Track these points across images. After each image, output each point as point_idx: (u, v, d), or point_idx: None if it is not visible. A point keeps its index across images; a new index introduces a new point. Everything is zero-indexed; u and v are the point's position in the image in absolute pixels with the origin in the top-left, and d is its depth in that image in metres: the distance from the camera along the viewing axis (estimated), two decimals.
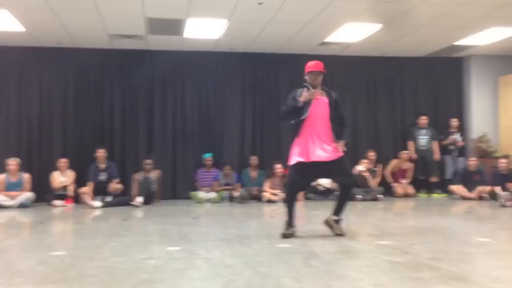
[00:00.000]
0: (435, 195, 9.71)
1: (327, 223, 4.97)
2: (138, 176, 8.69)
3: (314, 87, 4.82)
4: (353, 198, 8.88)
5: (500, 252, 4.26)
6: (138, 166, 9.15)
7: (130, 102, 9.50)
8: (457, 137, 9.94)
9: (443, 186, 9.96)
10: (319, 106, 4.78)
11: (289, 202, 4.90)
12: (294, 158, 4.78)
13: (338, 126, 4.88)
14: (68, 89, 9.29)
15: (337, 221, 4.94)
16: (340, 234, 4.82)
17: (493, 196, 8.67)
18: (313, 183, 9.27)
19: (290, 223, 4.83)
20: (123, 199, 8.37)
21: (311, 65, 4.89)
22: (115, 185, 8.54)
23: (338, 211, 4.96)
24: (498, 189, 8.46)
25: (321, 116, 4.78)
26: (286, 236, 4.72)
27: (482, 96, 10.33)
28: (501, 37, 8.76)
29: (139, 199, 8.13)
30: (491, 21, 7.83)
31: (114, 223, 6.27)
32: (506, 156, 8.91)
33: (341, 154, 4.79)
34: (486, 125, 10.23)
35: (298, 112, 4.76)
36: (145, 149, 9.42)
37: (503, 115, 10.09)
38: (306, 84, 4.88)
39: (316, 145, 4.73)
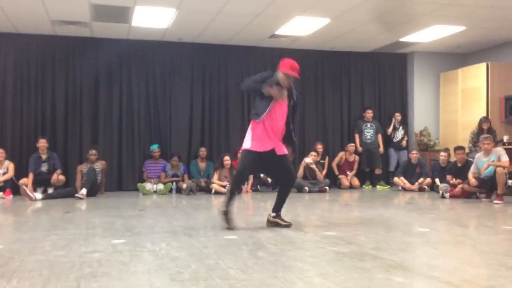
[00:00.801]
0: (379, 187, 10.02)
1: (271, 222, 4.96)
2: (82, 167, 8.44)
3: (285, 86, 4.84)
4: (300, 190, 9.04)
5: (439, 241, 4.45)
6: (82, 157, 8.90)
7: (73, 91, 9.19)
8: (397, 126, 10.29)
9: (386, 178, 10.31)
10: (281, 106, 4.82)
11: (236, 190, 4.93)
12: (253, 145, 4.74)
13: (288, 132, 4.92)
14: (6, 76, 8.86)
15: (277, 216, 4.97)
16: (288, 225, 4.88)
17: (433, 187, 9.04)
18: (262, 175, 9.37)
19: (228, 214, 4.80)
20: (66, 191, 8.12)
21: (289, 67, 4.83)
22: (57, 177, 8.25)
23: (278, 208, 5.00)
24: (437, 181, 8.82)
25: (280, 116, 4.81)
26: (231, 228, 4.75)
27: (424, 91, 10.71)
28: (442, 35, 9.09)
29: (83, 191, 7.90)
30: (433, 19, 8.11)
31: (55, 215, 6.07)
32: (446, 150, 9.30)
33: (286, 152, 4.88)
34: (427, 119, 10.63)
35: (259, 92, 4.75)
36: (89, 140, 9.16)
37: (443, 110, 10.50)
38: (278, 80, 4.84)
39: (271, 138, 4.76)
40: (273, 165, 4.88)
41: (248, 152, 4.79)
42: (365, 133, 10.22)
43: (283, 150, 4.83)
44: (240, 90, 5.10)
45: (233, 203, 4.89)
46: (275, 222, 4.93)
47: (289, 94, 4.93)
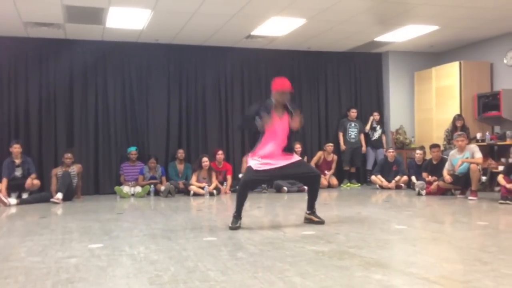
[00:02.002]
0: (352, 185, 10.14)
1: (306, 219, 5.22)
2: (58, 171, 8.30)
3: (282, 103, 5.12)
4: (279, 190, 9.07)
5: (416, 238, 4.51)
6: (57, 161, 8.76)
7: (47, 93, 9.04)
8: (375, 126, 10.41)
9: (364, 177, 10.46)
10: (281, 123, 5.09)
11: (242, 197, 5.06)
12: (254, 164, 4.98)
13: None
14: None
15: (312, 213, 5.19)
16: (320, 221, 5.09)
17: (409, 185, 9.16)
18: (240, 176, 9.34)
19: (238, 216, 4.96)
20: (41, 196, 7.97)
21: (280, 85, 5.10)
22: (32, 181, 8.09)
23: (311, 206, 5.22)
24: (414, 179, 8.94)
25: (282, 132, 5.07)
26: (234, 229, 4.82)
27: (399, 90, 10.85)
28: (416, 35, 9.23)
29: (59, 195, 7.77)
30: (407, 19, 8.22)
31: (31, 221, 5.96)
32: (421, 147, 9.44)
33: (292, 160, 5.09)
34: (403, 117, 10.77)
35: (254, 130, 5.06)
36: (64, 143, 9.03)
37: (418, 108, 10.66)
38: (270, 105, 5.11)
39: (272, 156, 5.00)
40: (287, 174, 5.21)
41: (250, 168, 5.02)
42: (349, 132, 10.32)
43: (285, 161, 5.01)
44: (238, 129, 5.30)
45: (241, 210, 5.04)
46: (310, 219, 5.18)
47: (287, 109, 5.16)
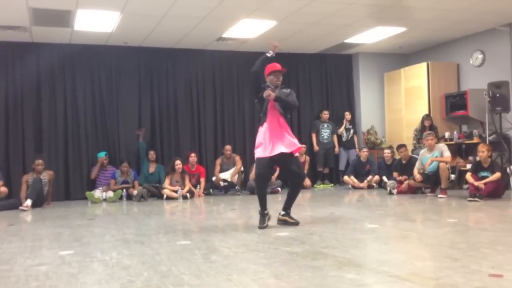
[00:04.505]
0: (325, 185, 10.23)
1: (280, 220, 5.23)
2: (28, 177, 8.09)
3: (275, 86, 5.12)
4: (253, 192, 9.06)
5: (388, 237, 4.57)
6: (25, 167, 8.57)
7: (14, 98, 8.82)
8: (347, 126, 10.53)
9: (336, 177, 10.54)
10: (273, 107, 5.08)
11: (261, 193, 5.10)
12: (257, 152, 4.98)
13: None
14: None
15: (287, 215, 5.21)
16: (295, 223, 5.11)
17: (381, 184, 9.28)
18: (214, 178, 9.33)
19: (264, 213, 5.00)
20: (9, 203, 7.76)
21: (272, 65, 5.14)
22: None
23: (287, 207, 5.24)
24: (385, 178, 9.07)
25: (274, 116, 5.07)
26: (263, 228, 4.87)
27: (370, 91, 10.99)
28: (385, 36, 9.37)
29: (28, 202, 7.59)
30: (376, 21, 8.34)
31: None
32: (389, 147, 9.59)
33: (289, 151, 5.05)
34: (374, 118, 10.92)
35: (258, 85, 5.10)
36: (32, 149, 8.83)
37: (388, 109, 10.82)
38: (267, 85, 5.13)
39: (272, 141, 4.97)
40: (280, 164, 5.20)
41: (256, 159, 5.03)
42: (322, 133, 10.41)
43: (287, 147, 5.00)
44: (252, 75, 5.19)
45: (266, 204, 5.07)
46: (284, 220, 5.18)
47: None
